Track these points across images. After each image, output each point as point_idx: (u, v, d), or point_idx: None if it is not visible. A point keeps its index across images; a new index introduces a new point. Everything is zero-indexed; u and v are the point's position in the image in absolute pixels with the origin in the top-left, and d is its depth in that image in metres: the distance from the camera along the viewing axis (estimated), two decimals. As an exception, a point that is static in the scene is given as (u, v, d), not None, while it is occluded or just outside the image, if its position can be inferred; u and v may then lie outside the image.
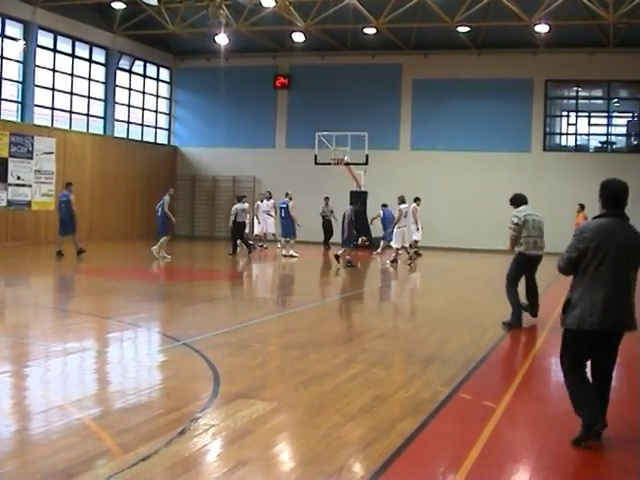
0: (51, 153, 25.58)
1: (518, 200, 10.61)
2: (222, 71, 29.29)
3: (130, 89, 30.39)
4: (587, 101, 29.95)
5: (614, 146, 29.25)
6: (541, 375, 8.35)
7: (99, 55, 28.61)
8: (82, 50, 27.67)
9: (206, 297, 13.85)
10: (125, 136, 30.13)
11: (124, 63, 29.96)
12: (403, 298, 15.98)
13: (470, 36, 27.36)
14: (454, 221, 28.06)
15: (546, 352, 9.38)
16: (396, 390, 6.88)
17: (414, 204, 22.66)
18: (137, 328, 9.95)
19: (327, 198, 27.56)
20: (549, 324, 10.58)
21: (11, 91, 24.96)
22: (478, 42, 28.27)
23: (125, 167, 29.38)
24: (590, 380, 5.56)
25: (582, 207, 22.41)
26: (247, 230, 23.81)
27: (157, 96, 32.23)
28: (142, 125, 31.30)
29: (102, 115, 28.93)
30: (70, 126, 27.13)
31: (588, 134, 29.49)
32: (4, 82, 24.44)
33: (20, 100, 25.13)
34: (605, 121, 29.19)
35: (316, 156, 27.30)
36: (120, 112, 29.79)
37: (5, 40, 24.42)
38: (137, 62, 30.71)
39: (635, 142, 29.28)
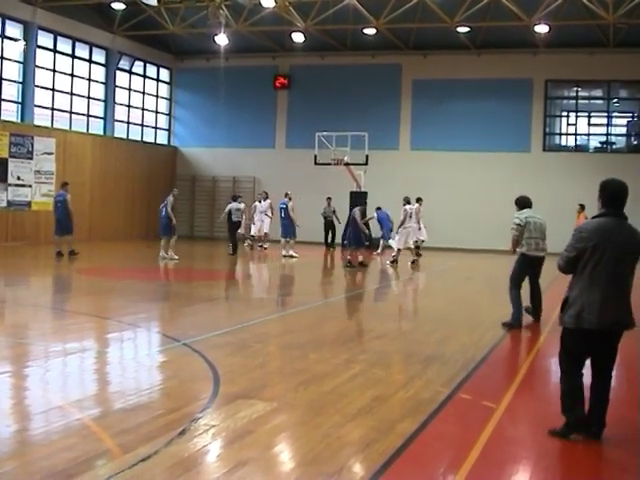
0: (51, 153, 25.59)
1: (522, 203, 10.68)
2: (222, 71, 29.31)
3: (130, 89, 30.40)
4: (587, 101, 29.95)
5: (614, 146, 29.25)
6: (541, 375, 8.35)
7: (99, 55, 28.62)
8: (82, 50, 27.68)
9: (206, 297, 13.85)
10: (125, 136, 30.13)
11: (124, 63, 29.97)
12: (403, 298, 15.98)
13: (470, 36, 27.36)
14: (454, 221, 28.06)
15: (546, 352, 9.37)
16: (396, 390, 6.88)
17: (417, 204, 22.65)
18: (137, 328, 9.94)
19: (329, 199, 27.55)
20: (549, 324, 10.58)
21: (11, 91, 24.98)
22: (478, 42, 28.28)
23: (125, 167, 29.38)
24: (584, 383, 5.60)
25: (582, 207, 22.38)
26: (242, 230, 23.78)
27: (157, 96, 32.23)
28: (142, 125, 31.31)
29: (102, 115, 28.93)
30: (70, 126, 27.14)
31: (588, 134, 29.49)
32: (4, 82, 24.46)
33: (20, 100, 25.14)
34: (605, 121, 29.19)
35: (316, 156, 27.29)
36: (120, 112, 29.80)
37: (5, 40, 24.43)
38: (137, 62, 30.72)
39: (635, 142, 29.28)
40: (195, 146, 32.65)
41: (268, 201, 25.30)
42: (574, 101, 29.57)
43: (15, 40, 24.85)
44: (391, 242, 22.23)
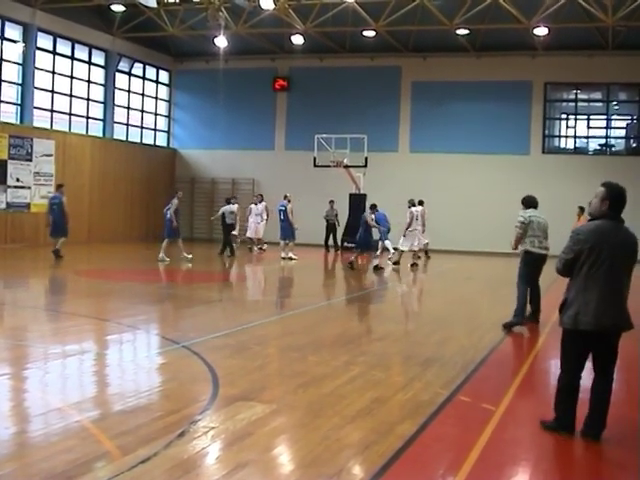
0: (50, 155, 25.59)
1: (527, 202, 10.86)
2: (221, 73, 29.34)
3: (129, 91, 30.41)
4: (586, 104, 29.95)
5: (613, 149, 29.26)
6: (540, 377, 8.35)
7: (98, 57, 28.63)
8: (81, 52, 27.69)
9: (205, 299, 13.84)
10: (124, 138, 30.14)
11: (123, 65, 29.99)
12: (402, 300, 15.99)
13: (469, 39, 27.39)
14: (453, 223, 28.05)
15: (545, 354, 9.38)
16: (395, 392, 6.87)
17: (421, 207, 22.58)
18: (136, 330, 9.94)
19: (332, 201, 27.54)
20: (548, 326, 10.59)
21: (10, 93, 24.99)
22: (477, 45, 28.30)
23: (124, 169, 29.38)
24: (582, 385, 5.68)
25: (582, 210, 22.35)
26: (236, 232, 23.75)
27: (156, 98, 32.25)
28: (141, 127, 31.33)
29: (101, 117, 28.94)
30: (69, 128, 27.14)
31: (587, 137, 29.51)
32: (3, 84, 24.46)
33: (19, 102, 25.15)
34: (604, 124, 29.23)
35: (315, 158, 27.32)
36: (119, 114, 29.82)
37: (5, 42, 24.43)
38: (136, 64, 30.73)
39: (634, 145, 29.30)
40: (194, 148, 32.66)
41: (263, 204, 25.24)
42: (573, 104, 29.59)
43: (14, 42, 24.86)
44: (387, 243, 22.21)
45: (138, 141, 31.03)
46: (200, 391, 6.68)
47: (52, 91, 26.33)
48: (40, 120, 25.75)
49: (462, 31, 26.22)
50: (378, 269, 19.71)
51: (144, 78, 31.37)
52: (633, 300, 6.02)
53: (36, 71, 25.37)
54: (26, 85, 25.10)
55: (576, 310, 5.50)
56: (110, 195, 28.61)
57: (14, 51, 24.88)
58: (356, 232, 20.60)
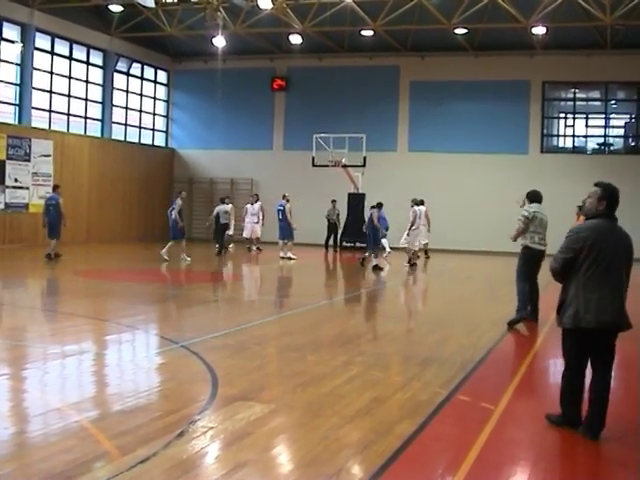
0: (48, 155, 25.57)
1: (532, 197, 11.03)
2: (219, 73, 29.31)
3: (127, 91, 30.38)
4: (584, 103, 29.95)
5: (611, 148, 29.25)
6: (539, 376, 8.35)
7: (97, 57, 28.60)
8: (79, 52, 27.66)
9: (204, 299, 13.85)
10: (122, 138, 30.11)
11: (121, 65, 29.97)
12: (401, 299, 15.97)
13: (467, 38, 27.38)
14: (452, 223, 28.02)
15: (544, 353, 9.39)
16: (394, 392, 6.87)
17: (423, 207, 22.52)
18: (135, 330, 9.93)
19: (334, 201, 27.51)
20: (547, 325, 10.59)
21: (8, 94, 24.97)
22: (475, 44, 28.31)
23: (122, 169, 29.36)
24: (585, 383, 5.71)
25: (581, 209, 22.38)
26: (231, 232, 23.71)
27: (154, 98, 32.22)
28: (139, 127, 31.30)
29: (100, 117, 28.91)
30: (68, 128, 27.12)
31: (585, 136, 29.50)
32: (1, 85, 24.44)
33: (17, 102, 25.11)
34: (602, 123, 29.22)
35: (313, 158, 27.31)
36: (117, 114, 29.79)
37: (2, 43, 24.40)
38: (134, 64, 30.70)
39: (632, 143, 29.29)
40: (193, 148, 32.64)
41: (259, 203, 25.20)
42: (572, 103, 29.59)
43: (12, 42, 24.82)
44: (384, 242, 22.19)
45: (136, 141, 31.01)
46: (199, 391, 6.68)
47: (50, 91, 26.30)
48: (38, 120, 25.72)
49: (460, 30, 26.21)
50: (377, 269, 19.71)
51: (142, 78, 31.35)
52: (632, 300, 6.03)
53: (34, 71, 25.34)
54: (24, 85, 25.07)
55: (576, 309, 5.51)
56: (108, 195, 28.60)
57: (12, 51, 24.84)
58: (355, 231, 20.60)
